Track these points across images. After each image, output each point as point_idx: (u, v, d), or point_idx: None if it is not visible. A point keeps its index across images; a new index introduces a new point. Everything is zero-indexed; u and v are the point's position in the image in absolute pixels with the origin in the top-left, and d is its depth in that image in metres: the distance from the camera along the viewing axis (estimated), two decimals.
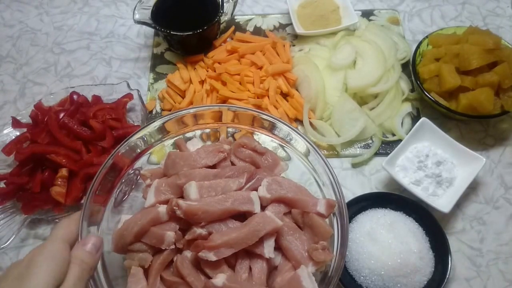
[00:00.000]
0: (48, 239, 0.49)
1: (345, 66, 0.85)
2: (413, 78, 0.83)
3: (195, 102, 0.84)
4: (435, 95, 0.78)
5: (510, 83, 0.76)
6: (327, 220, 0.59)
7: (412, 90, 0.87)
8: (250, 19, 0.99)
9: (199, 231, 0.55)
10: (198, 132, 0.73)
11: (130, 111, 0.83)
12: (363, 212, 0.71)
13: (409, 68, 0.86)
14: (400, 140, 0.78)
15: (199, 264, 0.55)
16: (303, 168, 0.66)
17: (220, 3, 0.87)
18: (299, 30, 0.91)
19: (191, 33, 0.84)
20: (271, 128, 0.67)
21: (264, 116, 0.66)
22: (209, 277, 0.53)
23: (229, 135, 0.77)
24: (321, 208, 0.57)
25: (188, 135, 0.71)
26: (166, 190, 0.60)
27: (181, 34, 0.84)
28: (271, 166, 0.65)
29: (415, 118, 0.83)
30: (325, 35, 0.93)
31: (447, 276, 0.64)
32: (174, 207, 0.54)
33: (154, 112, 0.87)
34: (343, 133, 0.80)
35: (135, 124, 0.81)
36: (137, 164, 0.66)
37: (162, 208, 0.57)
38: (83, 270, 0.47)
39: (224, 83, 0.84)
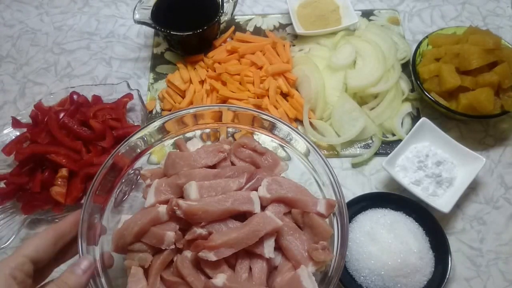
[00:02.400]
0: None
1: (345, 66, 0.85)
2: (413, 78, 0.83)
3: (195, 102, 0.84)
4: (435, 95, 0.78)
5: (510, 83, 0.76)
6: (327, 220, 0.59)
7: (412, 90, 0.87)
8: (250, 19, 0.99)
9: (199, 231, 0.55)
10: (198, 132, 0.73)
11: (130, 111, 0.83)
12: (363, 212, 0.71)
13: (409, 68, 0.86)
14: (400, 140, 0.78)
15: (199, 264, 0.55)
16: (303, 168, 0.66)
17: (220, 3, 0.87)
18: (299, 30, 0.91)
19: (191, 33, 0.84)
20: (271, 128, 0.67)
21: (264, 116, 0.66)
22: (209, 277, 0.53)
23: (229, 135, 0.76)
24: (321, 208, 0.57)
25: (188, 135, 0.71)
26: (166, 190, 0.60)
27: (181, 34, 0.84)
28: (271, 166, 0.65)
29: (415, 118, 0.83)
30: (325, 35, 0.93)
31: (447, 276, 0.64)
32: (174, 207, 0.54)
33: (154, 112, 0.87)
34: (343, 133, 0.80)
35: (135, 124, 0.81)
36: (137, 164, 0.66)
37: (162, 208, 0.57)
38: None
39: (224, 83, 0.84)
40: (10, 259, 0.46)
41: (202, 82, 0.87)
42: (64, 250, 0.53)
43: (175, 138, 0.68)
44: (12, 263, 0.45)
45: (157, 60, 0.93)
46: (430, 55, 0.82)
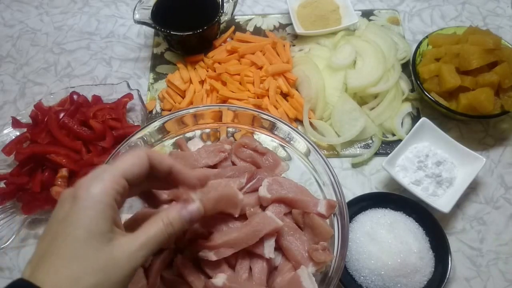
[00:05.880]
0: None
1: (345, 66, 0.85)
2: (413, 78, 0.83)
3: (195, 102, 0.84)
4: (435, 95, 0.79)
5: (510, 83, 0.76)
6: (327, 220, 0.59)
7: (412, 90, 0.87)
8: (250, 19, 0.99)
9: (199, 229, 0.55)
10: (198, 132, 0.73)
11: (130, 111, 0.83)
12: (363, 212, 0.71)
13: (409, 68, 0.86)
14: (400, 140, 0.78)
15: (199, 264, 0.55)
16: (303, 168, 0.66)
17: (220, 3, 0.87)
18: (299, 30, 0.91)
19: (191, 33, 0.84)
20: (271, 128, 0.67)
21: (264, 116, 0.66)
22: (209, 277, 0.53)
23: (229, 135, 0.77)
24: (322, 208, 0.57)
25: (188, 135, 0.71)
26: None
27: (181, 34, 0.84)
28: (272, 166, 0.65)
29: (415, 118, 0.83)
30: (325, 35, 0.93)
31: (447, 276, 0.64)
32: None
33: (154, 112, 0.87)
34: (343, 133, 0.80)
35: (135, 124, 0.81)
36: None
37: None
38: (164, 232, 0.42)
39: (224, 83, 0.84)
40: (114, 179, 0.40)
41: (202, 82, 0.87)
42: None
43: (175, 138, 0.68)
44: (117, 185, 0.40)
45: (157, 60, 0.93)
46: (430, 55, 0.82)
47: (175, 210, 0.45)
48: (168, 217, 0.43)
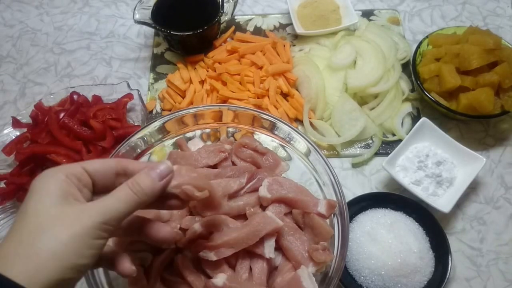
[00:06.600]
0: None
1: (345, 66, 0.85)
2: (413, 78, 0.83)
3: (195, 102, 0.84)
4: (435, 95, 0.79)
5: (510, 83, 0.76)
6: (327, 220, 0.59)
7: (412, 90, 0.87)
8: (250, 19, 0.99)
9: (199, 229, 0.55)
10: (198, 132, 0.73)
11: (130, 111, 0.83)
12: (363, 212, 0.71)
13: (409, 68, 0.86)
14: (400, 140, 0.78)
15: (199, 264, 0.55)
16: (303, 168, 0.66)
17: (220, 3, 0.87)
18: (299, 30, 0.91)
19: (191, 33, 0.84)
20: (271, 128, 0.67)
21: (264, 116, 0.66)
22: (210, 277, 0.53)
23: (229, 135, 0.77)
24: (322, 208, 0.57)
25: (188, 135, 0.71)
26: None
27: (181, 34, 0.84)
28: (272, 166, 0.65)
29: (415, 118, 0.83)
30: (325, 35, 0.93)
31: (447, 276, 0.65)
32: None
33: (154, 112, 0.87)
34: (343, 133, 0.80)
35: (135, 124, 0.81)
36: None
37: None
38: (133, 195, 0.40)
39: (224, 83, 0.84)
40: (67, 166, 0.41)
41: (202, 82, 0.87)
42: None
43: (175, 138, 0.68)
44: (70, 169, 0.40)
45: (157, 60, 0.93)
46: (430, 55, 0.82)
47: (143, 172, 0.42)
48: (135, 180, 0.41)
